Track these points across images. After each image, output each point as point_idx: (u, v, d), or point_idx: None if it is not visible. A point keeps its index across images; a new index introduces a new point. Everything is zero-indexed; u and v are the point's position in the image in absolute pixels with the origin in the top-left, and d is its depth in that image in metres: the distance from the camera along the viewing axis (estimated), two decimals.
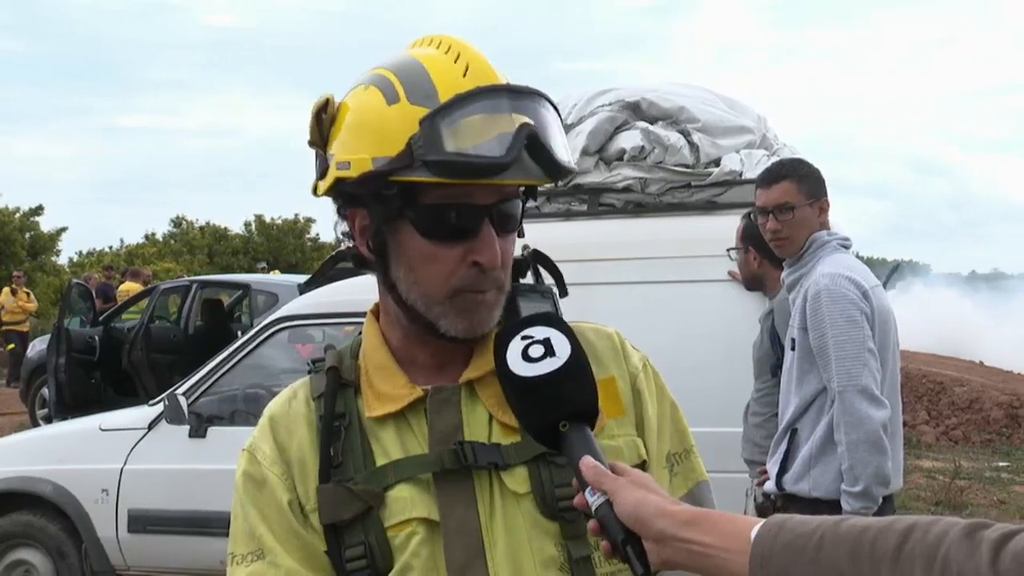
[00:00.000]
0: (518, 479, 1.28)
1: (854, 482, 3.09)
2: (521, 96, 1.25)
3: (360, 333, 1.44)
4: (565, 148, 1.28)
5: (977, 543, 0.91)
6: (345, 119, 1.29)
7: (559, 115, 1.30)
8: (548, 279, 1.47)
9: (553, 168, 1.26)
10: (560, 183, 1.34)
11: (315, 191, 1.34)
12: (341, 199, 1.33)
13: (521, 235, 1.35)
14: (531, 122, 1.22)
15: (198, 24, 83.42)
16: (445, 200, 1.24)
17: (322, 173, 1.31)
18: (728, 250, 4.31)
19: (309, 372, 1.41)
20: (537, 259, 1.45)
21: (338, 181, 1.28)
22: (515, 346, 1.18)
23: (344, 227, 1.36)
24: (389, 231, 1.28)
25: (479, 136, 1.20)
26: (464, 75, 1.24)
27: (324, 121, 1.30)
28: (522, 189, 1.33)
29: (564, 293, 1.45)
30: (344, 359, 1.38)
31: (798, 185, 3.42)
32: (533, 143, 1.22)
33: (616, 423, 1.36)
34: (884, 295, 3.32)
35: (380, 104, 1.25)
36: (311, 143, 1.33)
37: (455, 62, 1.26)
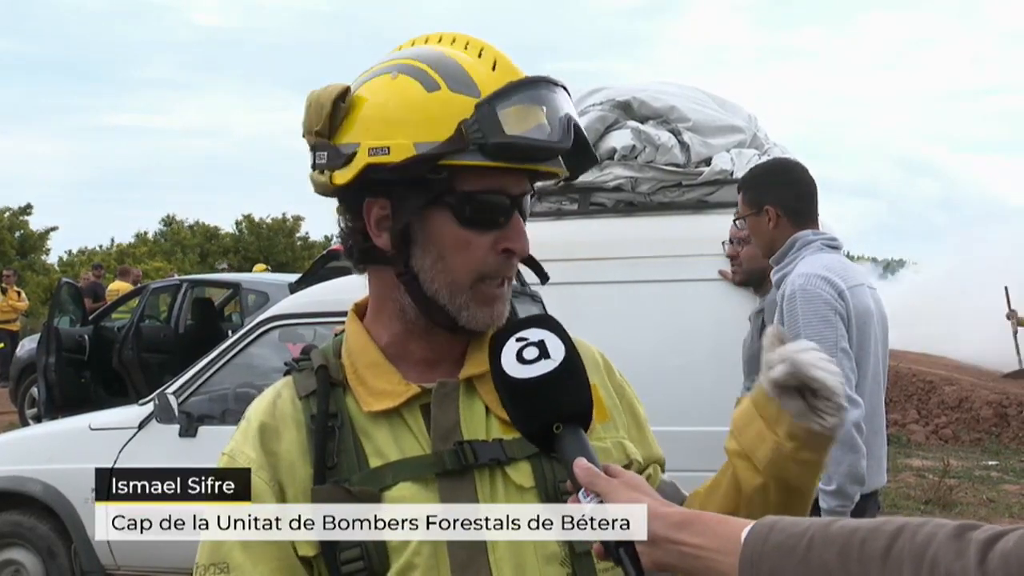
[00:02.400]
0: (522, 473, 1.28)
1: (828, 480, 3.10)
2: (557, 88, 1.29)
3: (336, 334, 1.43)
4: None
5: (966, 544, 0.91)
6: (363, 108, 1.29)
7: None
8: (529, 279, 1.48)
9: (587, 156, 1.32)
10: (554, 182, 1.36)
11: (331, 181, 1.30)
12: (361, 189, 1.29)
13: None
14: (570, 113, 1.27)
15: (187, 24, 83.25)
16: (483, 188, 1.26)
17: (344, 162, 1.28)
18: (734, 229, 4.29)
19: (288, 372, 1.39)
20: None
21: (368, 168, 1.26)
22: (510, 348, 1.19)
23: (349, 219, 1.33)
24: (419, 219, 1.28)
25: (523, 124, 1.24)
26: (493, 69, 1.27)
27: (341, 110, 1.29)
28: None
29: (544, 278, 1.46)
30: (329, 359, 1.37)
31: (742, 195, 3.58)
32: (577, 133, 1.27)
33: (602, 426, 1.37)
34: (866, 295, 3.32)
35: (418, 91, 1.26)
36: (318, 133, 1.30)
37: (479, 56, 1.29)
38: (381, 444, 1.29)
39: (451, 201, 1.26)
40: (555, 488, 1.27)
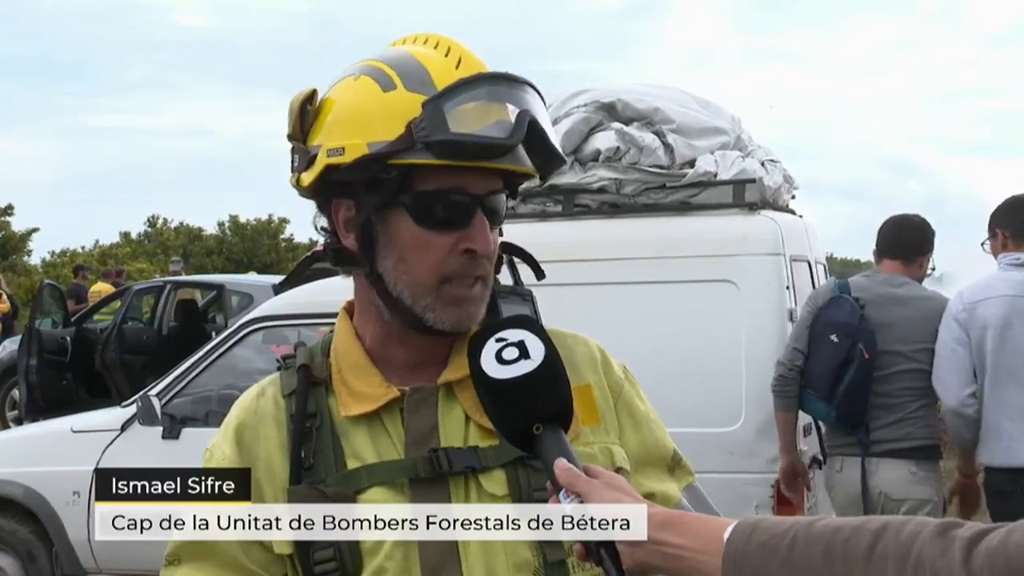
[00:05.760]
0: (496, 482, 1.27)
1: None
2: (519, 85, 1.27)
3: (331, 331, 1.42)
4: (556, 137, 1.30)
5: (949, 542, 0.92)
6: (331, 110, 1.30)
7: (545, 106, 1.32)
8: (525, 278, 1.47)
9: (549, 155, 1.29)
10: (538, 183, 1.35)
11: (298, 183, 1.33)
12: (327, 190, 1.31)
13: (500, 234, 1.36)
14: (529, 110, 1.25)
15: (170, 24, 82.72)
16: (441, 187, 1.25)
17: (307, 164, 1.30)
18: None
19: (279, 369, 1.39)
20: (507, 250, 1.44)
21: (328, 169, 1.27)
22: (489, 348, 1.18)
23: (324, 221, 1.35)
24: (380, 220, 1.28)
25: (479, 121, 1.23)
26: (457, 67, 1.26)
27: (308, 113, 1.30)
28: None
29: (541, 275, 1.45)
30: (315, 357, 1.37)
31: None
32: (533, 130, 1.24)
33: (591, 430, 1.35)
34: (994, 306, 3.81)
35: (375, 91, 1.26)
36: (290, 136, 1.32)
37: (446, 56, 1.28)
38: (359, 446, 1.29)
39: (407, 201, 1.26)
40: (530, 497, 1.26)
